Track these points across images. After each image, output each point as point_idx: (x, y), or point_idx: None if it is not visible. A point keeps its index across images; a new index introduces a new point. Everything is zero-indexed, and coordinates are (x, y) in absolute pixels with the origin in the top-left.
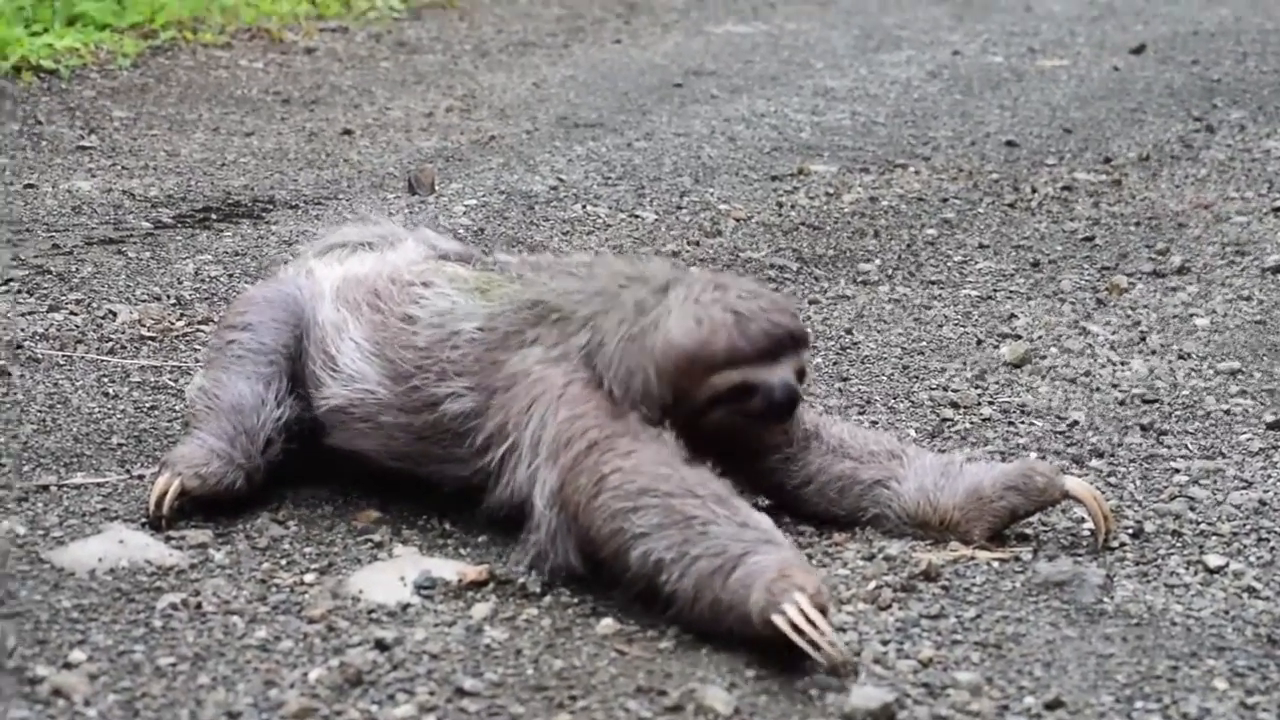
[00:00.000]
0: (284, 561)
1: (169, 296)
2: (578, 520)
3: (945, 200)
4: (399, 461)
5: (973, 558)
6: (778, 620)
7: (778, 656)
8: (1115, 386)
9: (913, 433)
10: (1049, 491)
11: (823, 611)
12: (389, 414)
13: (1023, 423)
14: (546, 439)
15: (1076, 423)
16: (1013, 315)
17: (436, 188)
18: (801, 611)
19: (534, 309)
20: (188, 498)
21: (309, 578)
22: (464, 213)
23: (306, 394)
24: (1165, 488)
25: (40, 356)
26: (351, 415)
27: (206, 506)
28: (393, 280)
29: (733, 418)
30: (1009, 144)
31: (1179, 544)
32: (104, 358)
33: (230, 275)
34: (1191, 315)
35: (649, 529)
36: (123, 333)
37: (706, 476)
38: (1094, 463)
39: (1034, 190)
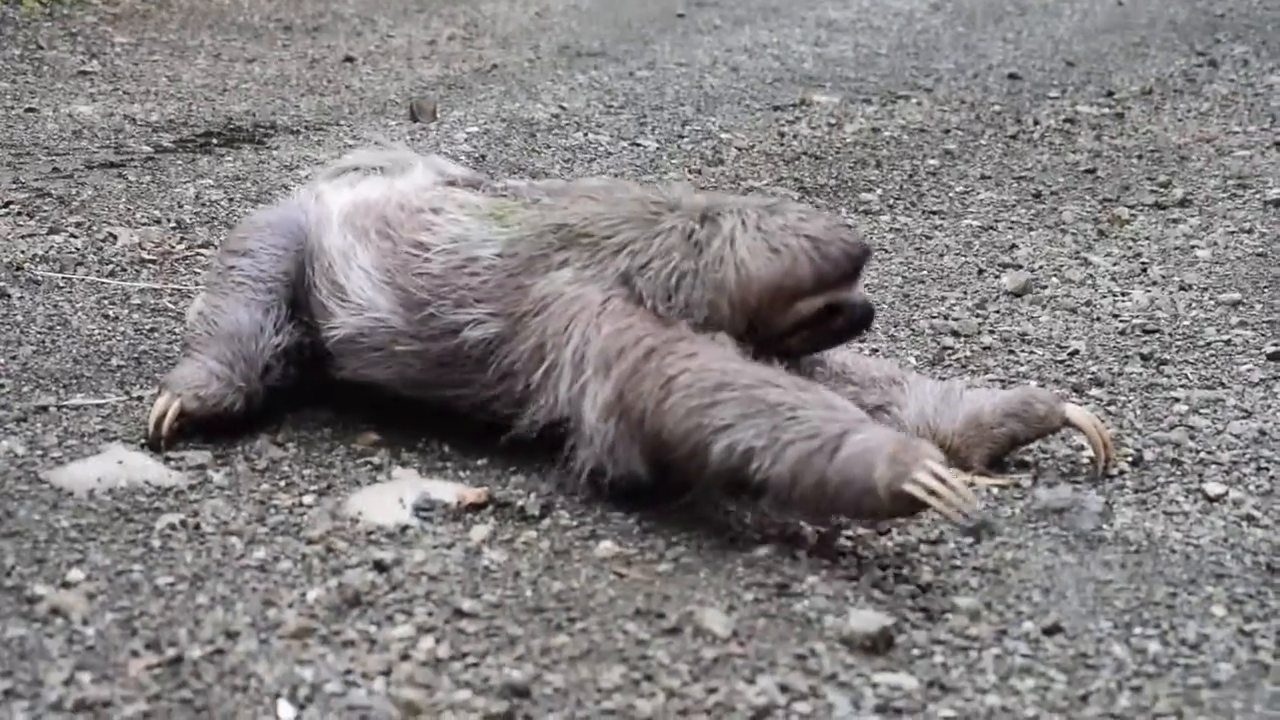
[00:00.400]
0: (283, 483)
1: (169, 220)
2: (643, 427)
3: (947, 131)
4: (413, 390)
5: (972, 483)
6: (912, 489)
7: (782, 576)
8: (1116, 316)
9: (913, 360)
10: (1049, 419)
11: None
12: (403, 342)
13: (1023, 351)
14: (592, 353)
15: (1077, 352)
16: (1014, 245)
17: (438, 115)
18: (935, 476)
19: (559, 233)
20: (187, 419)
21: (308, 499)
22: (465, 140)
23: (310, 321)
24: (1165, 416)
25: (40, 278)
26: (363, 344)
27: (205, 428)
28: (402, 207)
29: (813, 339)
30: (1011, 76)
31: (1178, 472)
32: (104, 280)
33: (231, 199)
34: (1193, 247)
35: (731, 419)
36: (123, 255)
37: (778, 369)
38: (1094, 391)
39: (1036, 122)
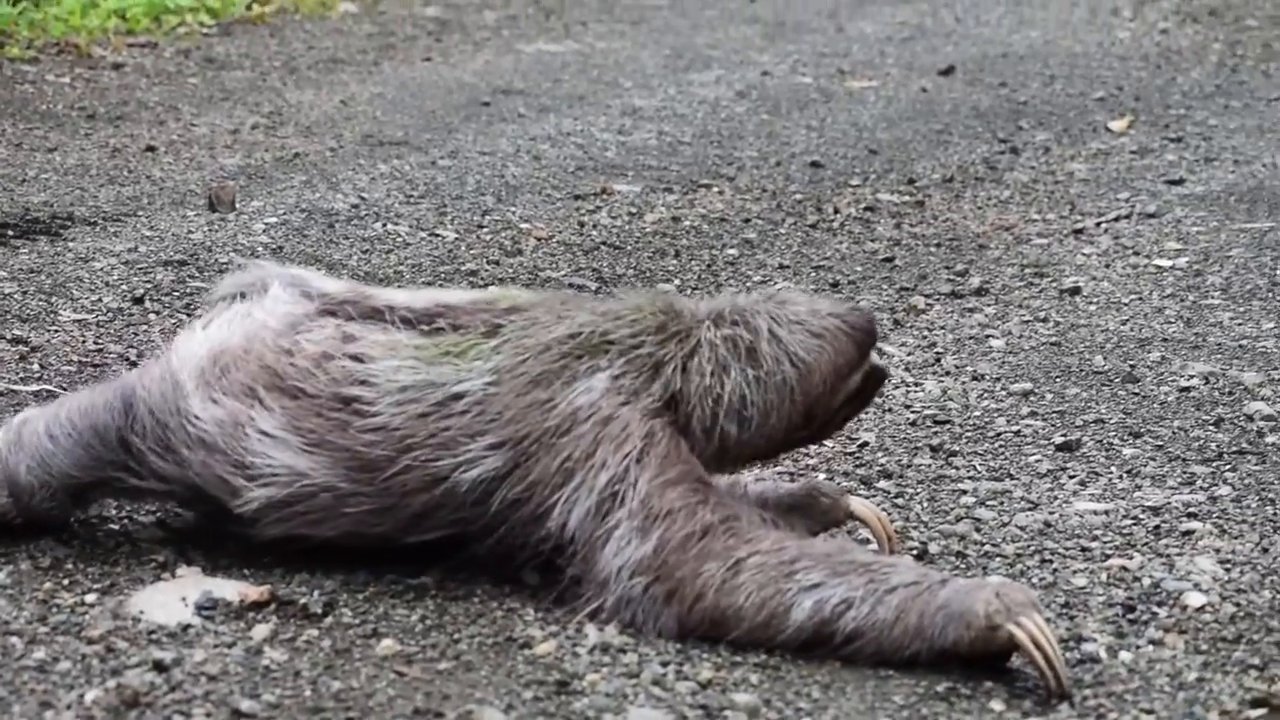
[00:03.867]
0: (66, 581)
1: None
2: (697, 603)
3: (748, 220)
4: (376, 542)
5: None
6: (1016, 631)
7: (563, 673)
8: (907, 407)
9: None
10: (833, 512)
11: None
12: (356, 503)
13: None
14: (631, 497)
15: (866, 444)
16: None
17: (237, 205)
18: (1040, 629)
19: (572, 342)
20: None
21: (90, 598)
22: (263, 230)
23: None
24: (952, 509)
25: None
26: (291, 509)
27: None
28: (288, 353)
29: (854, 410)
30: (814, 164)
31: (962, 565)
32: None
33: (24, 292)
34: (987, 336)
35: (819, 581)
36: None
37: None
38: (882, 483)
39: (836, 211)
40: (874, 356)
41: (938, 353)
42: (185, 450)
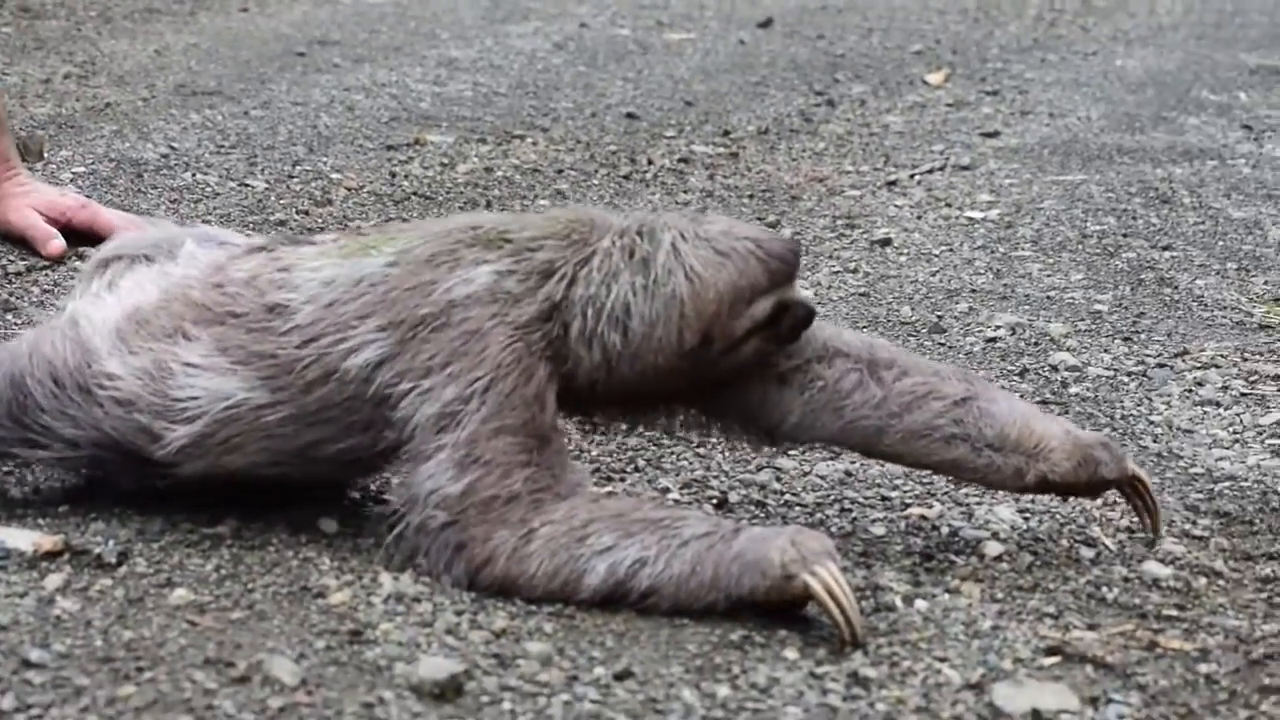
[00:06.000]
0: None
1: None
2: (487, 567)
3: (560, 171)
4: (278, 467)
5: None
6: (810, 580)
7: (356, 623)
8: None
9: None
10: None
11: None
12: (269, 412)
13: None
14: (464, 421)
15: None
16: None
17: (46, 155)
18: (834, 578)
19: (470, 232)
20: None
21: None
22: (71, 179)
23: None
24: (753, 458)
25: None
26: (212, 442)
27: None
28: (217, 287)
29: (764, 344)
30: (629, 116)
31: (762, 514)
32: None
33: None
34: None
35: (611, 544)
36: None
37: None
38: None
39: (650, 162)
40: (795, 290)
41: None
42: (99, 410)
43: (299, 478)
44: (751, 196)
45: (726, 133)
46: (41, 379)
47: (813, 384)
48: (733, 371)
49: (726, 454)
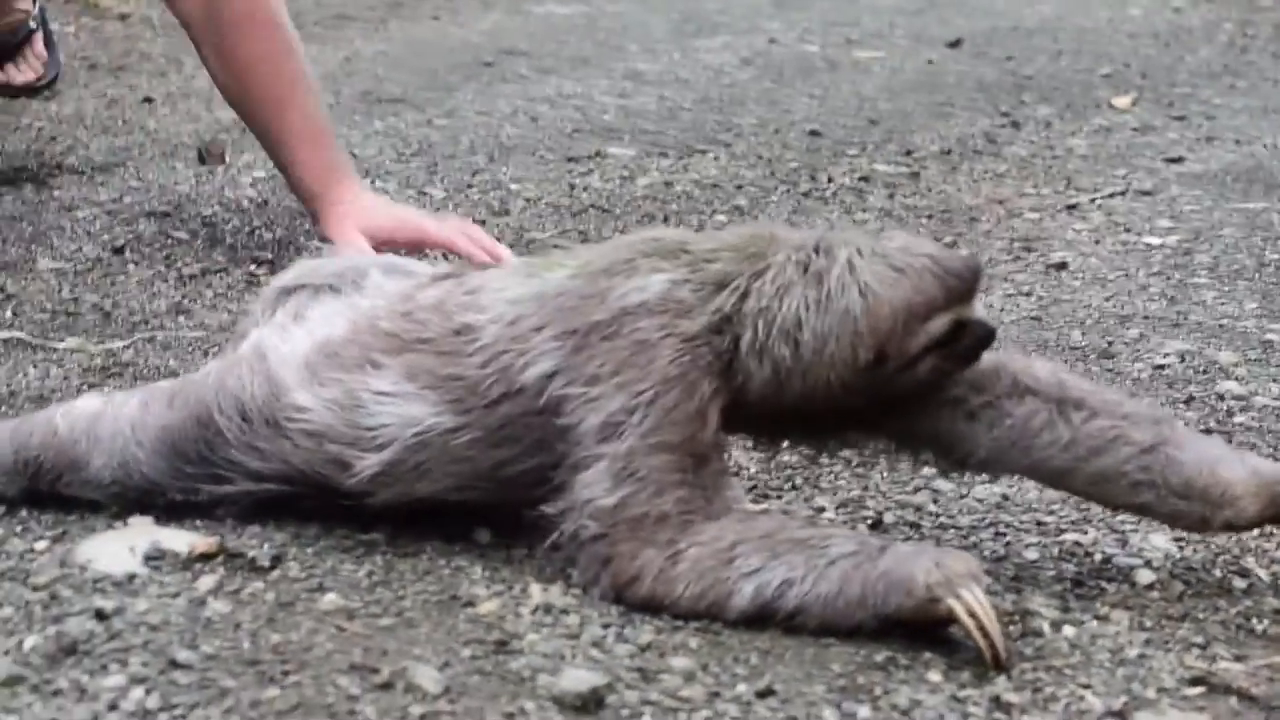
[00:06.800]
0: (19, 529)
1: None
2: (634, 585)
3: (740, 187)
4: (466, 493)
5: None
6: (954, 605)
7: (503, 633)
8: None
9: None
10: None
11: None
12: (458, 436)
13: None
14: (626, 433)
15: None
16: None
17: (228, 159)
18: (979, 602)
19: (648, 245)
20: None
21: (40, 545)
22: (250, 184)
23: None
24: (911, 479)
25: None
26: (403, 467)
27: None
28: (406, 315)
29: (941, 363)
30: (812, 133)
31: (916, 535)
32: None
33: (4, 240)
34: None
35: (758, 565)
36: None
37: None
38: (844, 452)
39: (830, 180)
40: (974, 309)
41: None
42: (287, 444)
43: (487, 502)
44: (930, 217)
45: (909, 152)
46: (229, 414)
47: (1001, 421)
48: (908, 391)
49: (884, 475)
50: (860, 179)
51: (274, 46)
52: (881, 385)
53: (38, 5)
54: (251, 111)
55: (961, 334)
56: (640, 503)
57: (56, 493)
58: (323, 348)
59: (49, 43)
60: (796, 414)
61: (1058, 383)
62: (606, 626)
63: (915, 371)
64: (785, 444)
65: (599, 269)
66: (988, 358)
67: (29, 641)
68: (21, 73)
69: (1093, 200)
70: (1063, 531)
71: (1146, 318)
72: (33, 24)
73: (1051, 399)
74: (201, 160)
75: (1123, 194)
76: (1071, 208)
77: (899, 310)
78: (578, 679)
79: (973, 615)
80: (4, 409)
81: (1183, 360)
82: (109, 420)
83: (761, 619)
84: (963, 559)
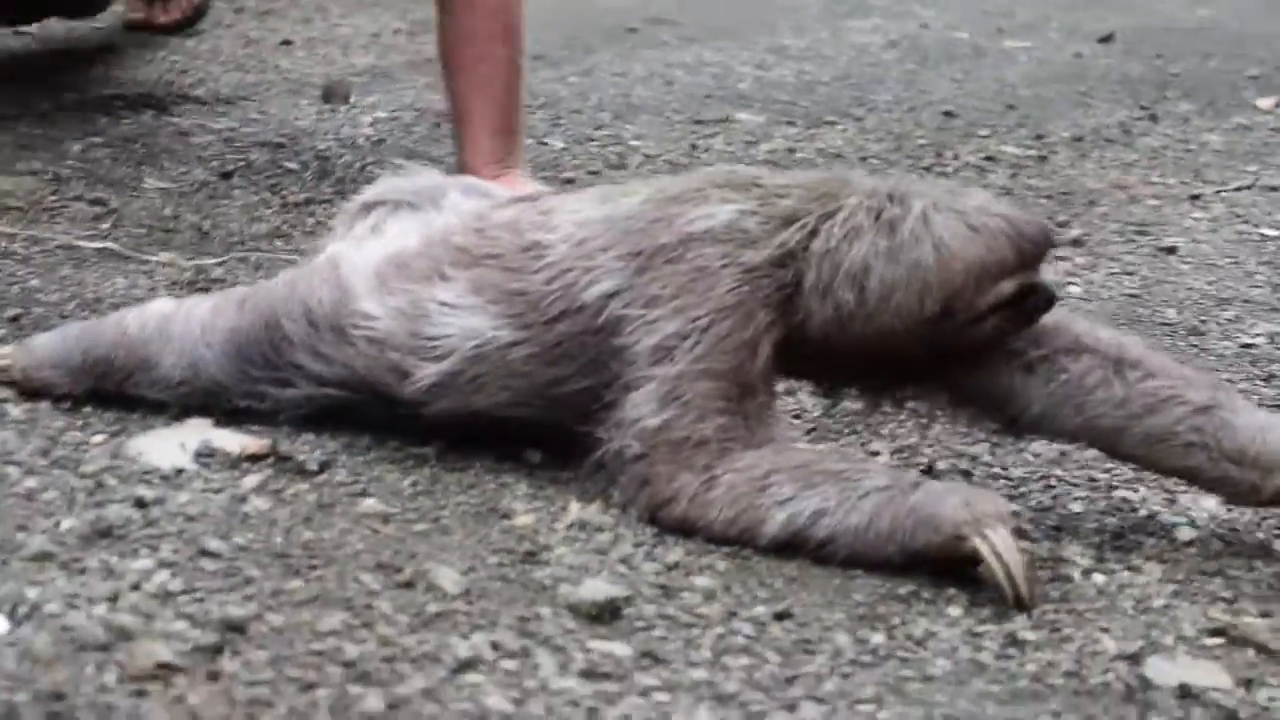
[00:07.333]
0: (80, 423)
1: (48, 172)
2: (669, 506)
3: (863, 159)
4: (521, 407)
5: None
6: (980, 545)
7: (534, 544)
8: None
9: None
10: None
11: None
12: (516, 350)
13: None
14: (677, 357)
15: None
16: None
17: (352, 99)
18: (1004, 542)
19: (729, 175)
20: (9, 384)
21: (97, 438)
22: (370, 123)
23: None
24: (971, 432)
25: None
26: (461, 378)
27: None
28: (478, 232)
29: (1003, 323)
30: (946, 114)
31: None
32: None
33: (114, 159)
34: (1068, 282)
35: (791, 494)
36: None
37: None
38: (911, 404)
39: (956, 157)
40: (1042, 274)
41: None
42: (351, 349)
43: (540, 421)
44: (1049, 198)
45: (1040, 136)
46: (296, 318)
47: (1057, 376)
48: (968, 347)
49: (945, 425)
50: (986, 158)
51: (488, 27)
52: (942, 338)
53: None
54: (447, 79)
55: (1028, 297)
56: (682, 426)
57: (123, 392)
58: (394, 258)
59: None
60: (854, 359)
61: (1117, 344)
62: (638, 545)
63: (978, 329)
64: (841, 389)
65: (670, 196)
66: (1051, 316)
67: (66, 523)
68: (168, 13)
69: (1217, 192)
70: (1113, 488)
71: (1246, 301)
72: None
73: (1109, 358)
74: (326, 99)
75: (1249, 188)
76: (1194, 198)
77: (971, 268)
78: (596, 589)
79: (997, 555)
80: (86, 314)
81: (1271, 341)
82: (180, 321)
83: (792, 547)
84: (992, 499)
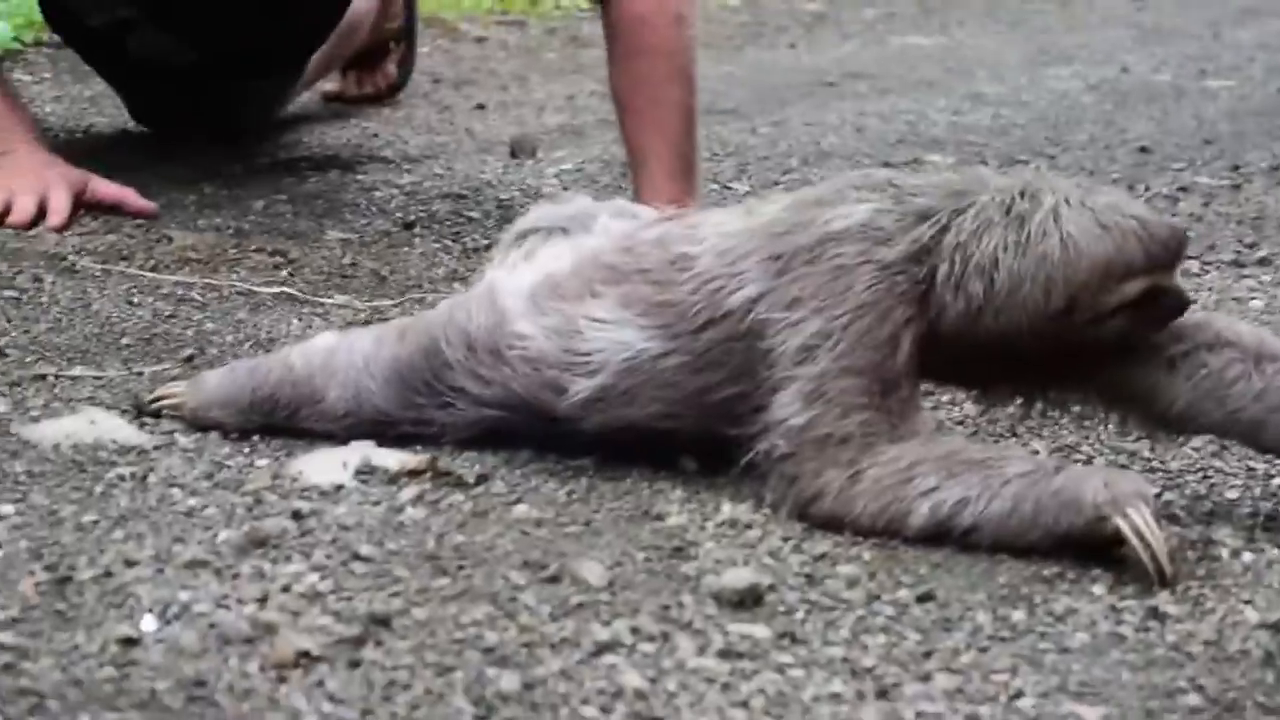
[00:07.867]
0: (246, 449)
1: (229, 228)
2: (815, 502)
3: None
4: (672, 418)
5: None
6: (1121, 524)
7: (683, 541)
8: None
9: None
10: None
11: None
12: (666, 361)
13: None
14: (820, 356)
15: None
16: None
17: (539, 154)
18: (1145, 521)
19: (866, 178)
20: (178, 416)
21: (261, 462)
22: (555, 174)
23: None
24: (1134, 431)
25: (79, 269)
26: (614, 391)
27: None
28: (628, 249)
29: (1129, 325)
30: (1142, 149)
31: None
32: (141, 273)
33: (296, 214)
34: (1251, 298)
35: (935, 485)
36: (171, 255)
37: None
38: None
39: (1148, 189)
40: (1172, 278)
41: (1196, 310)
42: (507, 369)
43: (692, 432)
44: (1240, 223)
45: (1236, 167)
46: (455, 343)
47: (1199, 371)
48: (1092, 346)
49: (1108, 427)
50: (1179, 189)
51: (662, 71)
52: (1066, 335)
53: (404, 22)
54: (623, 124)
55: (1156, 300)
56: (826, 424)
57: (292, 427)
58: (547, 281)
59: (405, 59)
60: (988, 357)
61: (1258, 340)
62: (786, 539)
63: (1102, 328)
64: (990, 394)
65: (809, 200)
66: (1193, 313)
67: (223, 535)
68: (362, 86)
69: None
70: (1271, 477)
71: None
72: (393, 45)
73: (1250, 353)
74: (513, 154)
75: None
76: None
77: (1098, 266)
78: (739, 576)
79: (1138, 533)
80: (260, 354)
81: None
82: (344, 354)
83: (938, 537)
84: (1132, 479)
